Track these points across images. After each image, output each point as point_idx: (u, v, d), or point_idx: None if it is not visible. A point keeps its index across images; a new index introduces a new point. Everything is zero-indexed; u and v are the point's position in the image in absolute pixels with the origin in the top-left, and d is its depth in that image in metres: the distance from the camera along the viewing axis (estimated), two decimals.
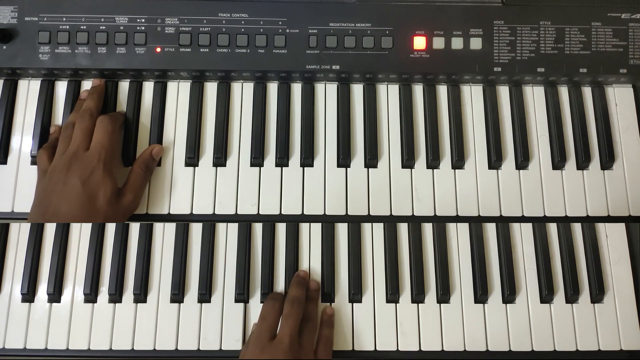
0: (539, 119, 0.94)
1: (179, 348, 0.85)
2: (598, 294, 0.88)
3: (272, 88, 0.94)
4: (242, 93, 0.94)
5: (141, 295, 0.87)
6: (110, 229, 0.90)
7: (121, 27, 0.90)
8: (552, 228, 0.92)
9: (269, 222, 0.90)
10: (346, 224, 0.90)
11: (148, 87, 0.94)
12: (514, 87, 0.95)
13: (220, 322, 0.86)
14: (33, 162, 0.90)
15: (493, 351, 0.86)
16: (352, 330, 0.86)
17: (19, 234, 0.90)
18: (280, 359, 0.76)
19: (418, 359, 0.86)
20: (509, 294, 0.87)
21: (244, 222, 0.90)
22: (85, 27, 0.90)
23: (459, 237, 0.91)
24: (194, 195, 0.89)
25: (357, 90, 0.94)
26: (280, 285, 0.88)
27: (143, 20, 0.90)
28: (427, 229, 0.91)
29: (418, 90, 0.95)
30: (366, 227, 0.90)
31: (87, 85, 0.94)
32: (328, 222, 0.90)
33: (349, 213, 0.89)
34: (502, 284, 0.89)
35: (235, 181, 0.90)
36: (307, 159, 0.90)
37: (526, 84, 0.95)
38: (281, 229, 0.90)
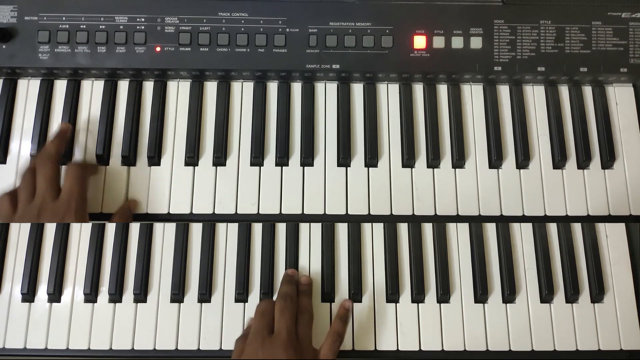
0: (539, 118, 0.94)
1: (179, 348, 0.85)
2: (598, 293, 0.88)
3: (272, 87, 0.94)
4: (242, 92, 0.94)
5: (141, 295, 0.87)
6: (110, 229, 0.90)
7: (121, 27, 0.90)
8: (552, 228, 0.92)
9: (269, 222, 0.90)
10: (346, 223, 0.90)
11: (148, 87, 0.94)
12: (514, 86, 0.94)
13: (220, 322, 0.86)
14: None
15: (493, 351, 0.86)
16: (352, 330, 0.86)
17: (19, 234, 0.90)
18: (280, 353, 0.76)
19: (418, 359, 0.86)
20: (509, 294, 0.87)
21: (244, 222, 0.90)
22: (85, 26, 0.90)
23: (459, 237, 0.91)
24: (194, 195, 0.89)
25: (357, 90, 0.94)
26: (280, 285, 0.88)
27: (143, 20, 0.90)
28: (427, 228, 0.91)
29: (418, 89, 0.95)
30: (366, 227, 0.90)
31: (86, 85, 0.93)
32: (328, 222, 0.90)
33: (349, 213, 0.89)
34: (502, 284, 0.89)
35: (235, 181, 0.90)
36: (307, 159, 0.90)
37: (526, 83, 0.95)
38: (281, 228, 0.90)
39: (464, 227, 0.91)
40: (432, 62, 0.91)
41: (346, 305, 0.86)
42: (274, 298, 0.86)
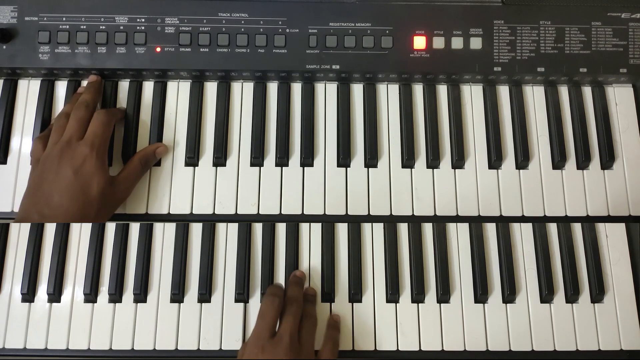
0: (539, 118, 0.94)
1: (179, 348, 0.85)
2: (598, 293, 0.88)
3: (272, 88, 0.94)
4: (242, 93, 0.94)
5: (141, 295, 0.87)
6: (110, 229, 0.90)
7: (121, 27, 0.90)
8: (552, 228, 0.92)
9: (269, 222, 0.90)
10: (346, 224, 0.90)
11: (148, 87, 0.94)
12: (514, 86, 0.94)
13: (220, 322, 0.86)
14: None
15: (493, 351, 0.86)
16: (352, 330, 0.86)
17: (19, 234, 0.90)
18: (281, 357, 0.76)
19: (418, 359, 0.86)
20: (509, 294, 0.87)
21: (244, 222, 0.90)
22: (85, 26, 0.90)
23: (459, 237, 0.91)
24: (194, 195, 0.89)
25: (357, 90, 0.94)
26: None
27: (143, 20, 0.90)
28: (427, 229, 0.91)
29: (418, 90, 0.95)
30: (366, 227, 0.90)
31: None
32: (328, 222, 0.90)
33: (349, 213, 0.89)
34: (502, 284, 0.89)
35: (235, 181, 0.90)
36: (307, 159, 0.90)
37: (526, 83, 0.95)
38: (281, 229, 0.90)
39: (464, 227, 0.91)
40: (432, 62, 0.91)
41: (335, 318, 0.86)
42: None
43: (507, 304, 0.88)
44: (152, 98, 0.93)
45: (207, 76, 0.93)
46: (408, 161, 0.91)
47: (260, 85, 0.94)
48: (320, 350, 0.82)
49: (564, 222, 0.91)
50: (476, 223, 0.91)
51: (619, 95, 0.95)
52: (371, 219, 0.89)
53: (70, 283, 0.88)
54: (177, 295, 0.87)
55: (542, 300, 0.88)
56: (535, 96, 0.95)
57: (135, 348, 0.85)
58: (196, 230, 0.90)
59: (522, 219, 0.90)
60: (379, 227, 0.90)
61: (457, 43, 0.91)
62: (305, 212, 0.89)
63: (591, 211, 0.90)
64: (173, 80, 0.94)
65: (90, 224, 0.90)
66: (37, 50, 0.90)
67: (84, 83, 0.94)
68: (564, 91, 0.96)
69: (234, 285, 0.87)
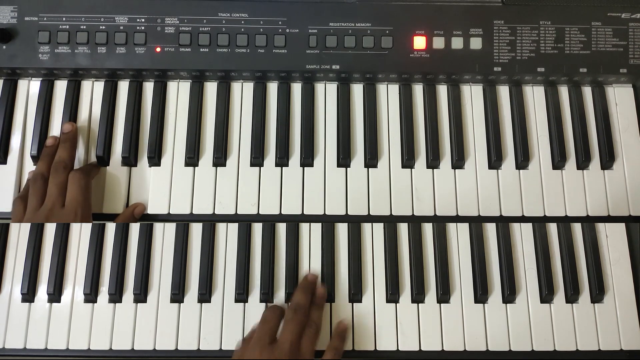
0: (539, 118, 0.94)
1: (179, 348, 0.85)
2: (598, 293, 0.88)
3: (272, 88, 0.94)
4: (242, 93, 0.94)
5: (141, 295, 0.87)
6: (110, 229, 0.90)
7: (121, 27, 0.90)
8: (552, 228, 0.92)
9: (269, 222, 0.90)
10: (346, 224, 0.90)
11: (148, 87, 0.94)
12: (514, 86, 0.94)
13: (220, 322, 0.86)
14: (33, 162, 0.90)
15: (493, 351, 0.86)
16: (352, 330, 0.86)
17: (19, 234, 0.90)
18: None
19: (418, 359, 0.86)
20: (509, 294, 0.87)
21: (244, 222, 0.90)
22: (85, 27, 0.90)
23: (459, 237, 0.91)
24: (194, 195, 0.89)
25: (357, 90, 0.94)
26: (280, 285, 0.88)
27: (143, 20, 0.90)
28: (427, 229, 0.91)
29: (418, 90, 0.95)
30: (366, 227, 0.90)
31: (87, 85, 0.93)
32: (328, 222, 0.90)
33: (349, 213, 0.89)
34: (502, 284, 0.89)
35: (235, 181, 0.90)
36: (307, 159, 0.90)
37: (526, 83, 0.95)
38: (281, 229, 0.90)
39: (464, 227, 0.91)
40: (432, 62, 0.91)
41: (343, 325, 0.86)
42: (275, 300, 0.87)
43: (507, 304, 0.88)
44: (152, 98, 0.93)
45: (207, 76, 0.93)
46: (408, 161, 0.91)
47: (260, 85, 0.94)
48: (322, 358, 0.82)
49: (564, 222, 0.91)
50: (476, 223, 0.91)
51: (619, 96, 0.95)
52: (371, 219, 0.89)
53: (70, 283, 0.88)
54: (177, 296, 0.87)
55: (542, 300, 0.88)
56: (535, 96, 0.95)
57: (135, 348, 0.85)
58: (196, 231, 0.90)
59: (522, 219, 0.90)
60: (379, 227, 0.90)
61: (457, 43, 0.91)
62: (305, 212, 0.89)
63: (591, 211, 0.90)
64: (173, 80, 0.94)
65: (90, 224, 0.90)
66: (37, 50, 0.90)
67: (84, 83, 0.93)
68: (564, 91, 0.96)
69: (234, 285, 0.87)
